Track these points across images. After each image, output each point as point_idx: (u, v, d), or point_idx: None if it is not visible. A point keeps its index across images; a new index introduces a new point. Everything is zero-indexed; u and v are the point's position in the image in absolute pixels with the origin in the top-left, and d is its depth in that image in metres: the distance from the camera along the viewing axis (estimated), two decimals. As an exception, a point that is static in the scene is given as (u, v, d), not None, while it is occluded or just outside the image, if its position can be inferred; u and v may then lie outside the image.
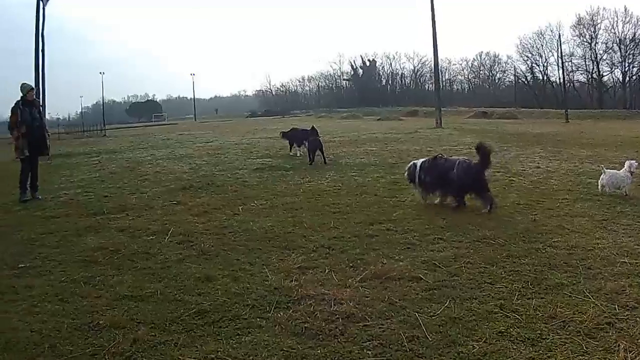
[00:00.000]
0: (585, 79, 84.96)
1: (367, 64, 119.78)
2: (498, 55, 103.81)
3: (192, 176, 14.07)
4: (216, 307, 4.92)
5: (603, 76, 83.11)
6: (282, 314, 4.69)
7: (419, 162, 9.73)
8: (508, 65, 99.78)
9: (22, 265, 6.48)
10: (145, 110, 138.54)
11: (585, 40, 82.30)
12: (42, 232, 8.22)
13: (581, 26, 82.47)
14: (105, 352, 4.10)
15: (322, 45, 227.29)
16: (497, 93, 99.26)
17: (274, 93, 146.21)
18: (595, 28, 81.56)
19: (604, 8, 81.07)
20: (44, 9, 26.56)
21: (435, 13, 39.93)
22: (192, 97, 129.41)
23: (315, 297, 5.01)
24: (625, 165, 9.82)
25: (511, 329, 4.27)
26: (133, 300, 5.16)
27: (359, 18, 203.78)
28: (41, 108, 12.60)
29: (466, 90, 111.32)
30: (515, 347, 4.00)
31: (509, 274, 5.59)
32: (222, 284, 5.53)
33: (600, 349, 3.96)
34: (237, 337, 4.31)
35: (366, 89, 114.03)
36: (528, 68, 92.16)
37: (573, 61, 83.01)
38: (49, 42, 26.44)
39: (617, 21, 79.38)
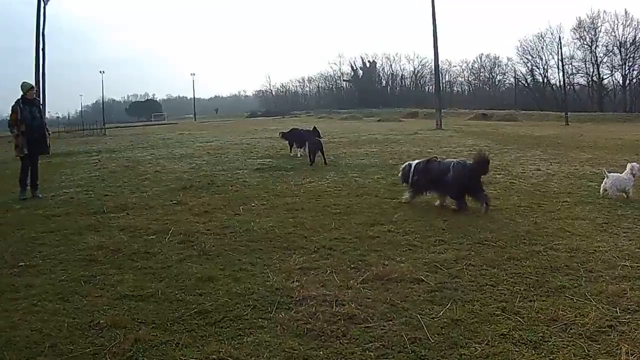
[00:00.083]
0: (585, 82, 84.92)
1: (367, 65, 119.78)
2: (498, 57, 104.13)
3: (193, 176, 14.07)
4: (217, 307, 4.90)
5: (603, 79, 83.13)
6: (283, 314, 4.68)
7: (413, 163, 9.79)
8: (508, 68, 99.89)
9: (23, 263, 6.46)
10: (145, 109, 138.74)
11: (585, 43, 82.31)
12: (42, 230, 8.21)
13: (581, 29, 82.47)
14: (106, 352, 4.08)
15: (323, 46, 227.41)
16: (497, 95, 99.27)
17: (274, 93, 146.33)
18: (595, 31, 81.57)
19: (604, 11, 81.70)
20: (44, 7, 26.62)
21: (436, 14, 39.92)
22: (192, 96, 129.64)
23: (317, 298, 4.99)
24: (627, 168, 9.83)
25: (513, 332, 4.26)
26: (134, 300, 5.16)
27: (359, 19, 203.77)
28: (41, 107, 12.62)
29: (466, 92, 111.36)
30: (517, 349, 3.99)
31: (510, 277, 5.58)
32: (223, 284, 5.51)
33: (602, 352, 3.95)
34: (239, 337, 4.29)
35: (366, 90, 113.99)
36: (528, 70, 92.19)
37: (573, 64, 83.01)
38: (49, 41, 26.47)
39: (617, 24, 79.38)
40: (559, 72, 78.78)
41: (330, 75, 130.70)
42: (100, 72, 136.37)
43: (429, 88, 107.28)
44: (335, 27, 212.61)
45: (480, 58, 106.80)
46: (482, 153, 9.50)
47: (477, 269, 5.85)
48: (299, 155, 17.97)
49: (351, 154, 18.84)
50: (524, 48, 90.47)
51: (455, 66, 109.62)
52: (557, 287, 5.25)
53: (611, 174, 10.01)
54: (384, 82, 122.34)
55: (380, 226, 7.90)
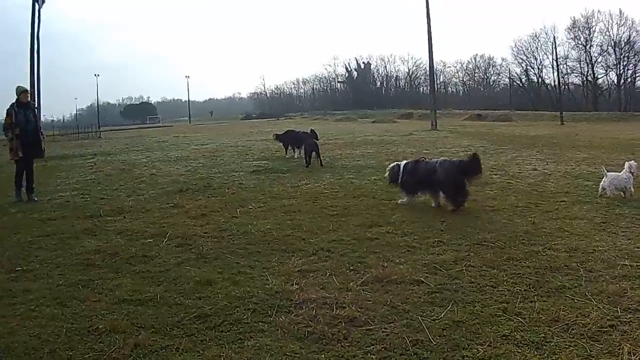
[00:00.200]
0: (580, 82, 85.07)
1: (362, 66, 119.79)
2: (493, 57, 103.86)
3: (189, 179, 14.04)
4: (217, 311, 4.87)
5: (598, 79, 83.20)
6: (284, 318, 4.65)
7: (402, 163, 9.85)
8: (503, 68, 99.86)
9: (20, 268, 6.42)
10: (140, 112, 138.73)
11: (580, 42, 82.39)
12: (39, 234, 8.17)
13: (576, 29, 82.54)
14: (106, 357, 4.06)
15: (317, 48, 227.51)
16: (492, 95, 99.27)
17: (268, 95, 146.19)
18: (590, 31, 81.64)
19: (598, 11, 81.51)
20: (39, 11, 26.49)
21: (430, 15, 39.94)
22: (187, 99, 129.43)
23: (317, 301, 4.97)
24: (625, 167, 9.84)
25: (515, 333, 4.25)
26: (132, 304, 5.12)
27: (354, 20, 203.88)
28: (36, 110, 12.61)
29: (461, 92, 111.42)
30: (519, 350, 3.97)
31: (510, 277, 5.57)
32: (222, 288, 5.48)
33: (604, 351, 3.94)
34: (240, 341, 4.26)
35: (361, 92, 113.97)
36: (523, 70, 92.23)
37: (568, 64, 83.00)
38: (44, 45, 26.42)
39: (612, 24, 79.47)
40: (553, 72, 79.19)
41: (325, 77, 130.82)
42: (95, 75, 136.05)
43: (423, 89, 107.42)
44: (329, 28, 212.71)
45: (475, 58, 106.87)
46: (475, 154, 9.65)
47: (476, 270, 5.84)
48: (295, 157, 17.96)
49: (347, 156, 18.84)
50: (518, 48, 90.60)
51: (449, 67, 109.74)
52: (558, 287, 5.24)
53: (610, 173, 10.02)
54: (378, 83, 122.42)
55: (379, 228, 7.88)
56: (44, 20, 26.39)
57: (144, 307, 5.03)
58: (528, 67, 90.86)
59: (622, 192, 9.74)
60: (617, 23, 79.02)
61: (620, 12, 79.01)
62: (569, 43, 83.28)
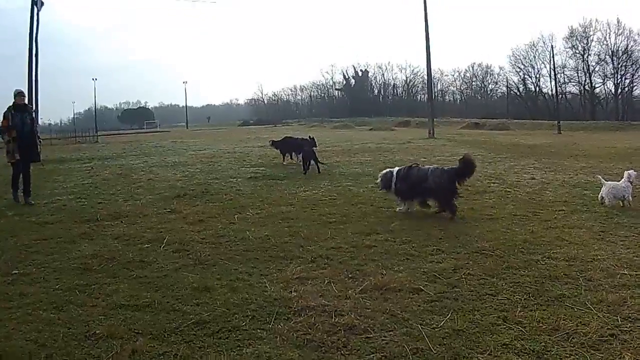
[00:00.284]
0: (577, 91, 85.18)
1: (360, 74, 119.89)
2: (490, 66, 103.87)
3: (186, 184, 14.00)
4: (215, 317, 4.84)
5: (595, 88, 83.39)
6: (282, 325, 4.63)
7: (394, 170, 9.87)
8: (500, 77, 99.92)
9: (16, 271, 6.39)
10: (137, 117, 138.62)
11: (577, 52, 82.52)
12: (35, 238, 8.13)
13: (574, 38, 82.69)
14: (103, 363, 4.03)
15: (315, 55, 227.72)
16: (490, 104, 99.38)
17: (266, 102, 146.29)
18: (587, 40, 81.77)
19: (596, 20, 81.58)
20: (37, 14, 26.40)
21: (428, 24, 40.02)
22: (184, 104, 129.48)
23: (316, 308, 4.95)
24: (625, 176, 9.84)
25: (515, 341, 4.23)
26: (130, 310, 5.09)
27: (352, 28, 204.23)
28: (34, 113, 12.62)
29: (458, 101, 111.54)
30: (520, 359, 3.95)
31: (509, 286, 5.56)
32: (220, 294, 5.45)
33: (605, 361, 3.93)
34: (238, 348, 4.24)
35: (358, 99, 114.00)
36: (520, 79, 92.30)
37: (565, 73, 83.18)
38: (42, 48, 26.31)
39: (609, 33, 79.60)
40: (551, 81, 78.96)
41: (323, 84, 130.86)
42: (93, 79, 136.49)
43: (421, 97, 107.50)
44: (327, 36, 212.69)
45: (473, 67, 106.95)
46: (468, 155, 9.81)
47: (476, 278, 5.83)
48: (296, 161, 17.94)
49: (345, 163, 18.82)
50: (516, 57, 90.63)
51: (447, 75, 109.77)
52: (557, 296, 5.23)
53: (608, 182, 10.02)
54: (376, 91, 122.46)
55: (377, 235, 7.86)
56: (42, 23, 26.29)
57: (141, 313, 5.00)
58: (525, 76, 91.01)
59: (620, 201, 9.74)
60: (614, 32, 79.22)
61: (618, 21, 79.20)
62: (567, 52, 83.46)
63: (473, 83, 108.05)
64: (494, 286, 5.56)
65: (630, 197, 9.72)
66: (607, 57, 79.65)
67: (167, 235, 8.00)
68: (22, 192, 11.63)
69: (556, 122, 51.16)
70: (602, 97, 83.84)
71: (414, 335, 4.40)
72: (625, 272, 5.91)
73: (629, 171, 9.88)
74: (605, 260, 6.43)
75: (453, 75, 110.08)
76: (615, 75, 79.75)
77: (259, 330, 4.55)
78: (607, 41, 79.79)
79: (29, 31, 26.41)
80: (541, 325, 4.53)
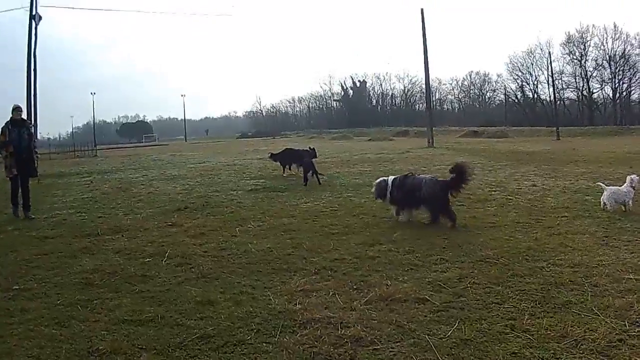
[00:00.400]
0: (575, 97, 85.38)
1: (358, 84, 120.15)
2: (488, 74, 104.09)
3: (186, 197, 13.96)
4: (220, 331, 4.79)
5: (593, 93, 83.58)
6: (288, 338, 4.58)
7: (389, 178, 9.93)
8: (498, 84, 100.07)
9: (17, 287, 6.35)
10: (136, 131, 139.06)
11: (575, 57, 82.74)
12: (36, 253, 8.09)
13: (571, 44, 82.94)
14: (107, 380, 3.97)
15: (313, 66, 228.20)
16: (488, 112, 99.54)
17: (264, 114, 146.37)
18: (585, 45, 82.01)
19: (593, 25, 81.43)
20: (36, 27, 26.37)
21: (426, 33, 40.12)
22: (183, 118, 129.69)
23: (321, 321, 4.90)
24: (627, 181, 9.82)
25: (524, 350, 4.20)
26: (133, 325, 5.03)
27: (349, 39, 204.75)
28: (32, 128, 12.65)
29: (456, 109, 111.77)
30: (529, 368, 3.91)
31: (515, 294, 5.52)
32: (224, 308, 5.40)
33: (615, 367, 3.89)
34: (244, 363, 4.18)
35: (357, 110, 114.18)
36: (518, 86, 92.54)
37: (563, 79, 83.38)
38: (40, 62, 26.17)
39: (606, 38, 79.89)
40: (549, 88, 79.41)
41: (321, 95, 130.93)
42: (92, 93, 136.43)
43: (419, 106, 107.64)
44: (325, 47, 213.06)
45: (470, 75, 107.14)
46: (459, 163, 9.76)
47: (481, 287, 5.78)
48: (296, 172, 17.92)
49: (345, 174, 18.78)
50: (513, 64, 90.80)
51: (445, 84, 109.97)
52: (564, 303, 5.20)
53: (609, 187, 10.00)
54: (374, 101, 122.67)
55: (380, 246, 7.81)
56: (40, 37, 26.21)
57: (144, 328, 4.95)
58: (523, 83, 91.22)
59: (622, 206, 9.71)
60: (611, 37, 79.52)
61: (615, 26, 79.53)
62: (564, 58, 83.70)
63: (471, 91, 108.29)
64: (499, 294, 5.51)
65: (631, 202, 9.70)
66: (605, 62, 79.95)
67: (168, 249, 7.95)
68: (22, 206, 11.63)
69: (555, 128, 51.22)
70: (600, 102, 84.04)
71: (422, 346, 4.35)
72: (631, 277, 5.89)
73: (632, 176, 9.86)
74: (610, 265, 6.41)
75: (451, 84, 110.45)
76: (613, 80, 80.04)
77: (264, 344, 4.50)
78: (604, 46, 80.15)
79: (27, 45, 26.38)
80: (549, 332, 4.49)
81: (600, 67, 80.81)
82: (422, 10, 40.07)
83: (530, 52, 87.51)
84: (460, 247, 7.58)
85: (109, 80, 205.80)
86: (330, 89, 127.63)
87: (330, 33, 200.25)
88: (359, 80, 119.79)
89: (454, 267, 6.55)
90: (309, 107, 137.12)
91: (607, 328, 4.52)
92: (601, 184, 10.40)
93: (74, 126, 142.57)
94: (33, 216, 11.51)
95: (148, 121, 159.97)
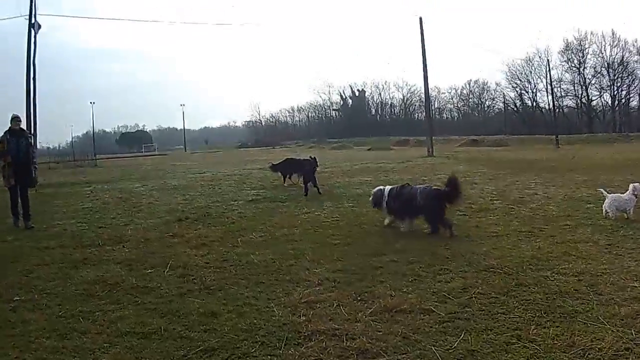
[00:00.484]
0: (574, 104, 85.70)
1: (357, 94, 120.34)
2: (487, 82, 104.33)
3: (187, 207, 13.92)
4: (224, 344, 4.74)
5: (592, 100, 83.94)
6: (293, 350, 4.53)
7: (386, 188, 10.07)
8: (497, 93, 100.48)
9: (18, 298, 6.31)
10: (135, 140, 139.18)
11: (573, 65, 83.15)
12: (37, 263, 8.06)
13: (569, 51, 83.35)
14: (110, 393, 3.93)
15: (312, 76, 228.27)
16: (487, 121, 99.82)
17: (263, 124, 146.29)
18: (583, 53, 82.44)
19: (591, 32, 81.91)
20: (35, 36, 26.30)
21: (425, 42, 40.23)
22: (182, 127, 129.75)
23: (326, 333, 4.85)
24: (630, 188, 9.80)
25: (532, 360, 4.15)
26: (136, 337, 4.98)
27: (348, 48, 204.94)
28: (30, 138, 12.65)
29: (456, 118, 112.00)
30: (538, 380, 3.88)
31: (521, 303, 5.49)
32: (227, 320, 5.35)
33: (623, 376, 3.86)
34: (249, 376, 4.14)
35: (356, 119, 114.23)
36: (517, 95, 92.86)
37: (562, 86, 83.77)
38: (39, 71, 26.01)
39: (605, 45, 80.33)
40: (548, 96, 79.59)
41: (320, 105, 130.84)
42: (91, 103, 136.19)
43: (418, 115, 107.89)
44: (324, 56, 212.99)
45: (469, 84, 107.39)
46: (453, 177, 9.86)
47: (486, 297, 5.74)
48: (296, 182, 17.90)
49: (345, 184, 18.76)
50: (512, 73, 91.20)
51: (444, 93, 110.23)
52: (570, 312, 5.17)
53: (611, 194, 9.99)
54: (373, 110, 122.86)
55: (383, 256, 7.76)
56: (38, 46, 26.04)
57: (147, 341, 4.90)
58: (522, 92, 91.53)
59: (624, 213, 9.69)
60: (610, 44, 79.99)
61: (613, 33, 79.97)
62: (563, 66, 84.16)
63: (470, 100, 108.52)
64: (505, 304, 5.48)
65: (632, 210, 9.68)
66: (603, 69, 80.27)
67: (170, 260, 7.90)
68: (22, 216, 11.62)
69: (554, 136, 51.35)
70: (599, 109, 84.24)
71: (428, 357, 4.32)
72: (636, 285, 5.88)
73: (635, 184, 9.84)
74: (614, 273, 6.39)
75: (450, 93, 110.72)
76: (612, 87, 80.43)
77: (269, 357, 4.46)
78: (602, 53, 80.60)
79: (26, 54, 26.30)
80: (556, 342, 4.46)
81: (599, 75, 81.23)
82: (420, 19, 40.32)
83: (529, 60, 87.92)
84: (464, 256, 7.54)
85: (108, 89, 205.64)
86: (329, 98, 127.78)
87: (329, 43, 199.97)
88: (357, 90, 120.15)
89: (458, 277, 6.52)
90: (308, 116, 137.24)
91: (614, 337, 4.49)
92: (602, 191, 10.39)
93: (73, 135, 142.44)
94: (33, 225, 11.50)
95: (147, 131, 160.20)
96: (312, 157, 17.92)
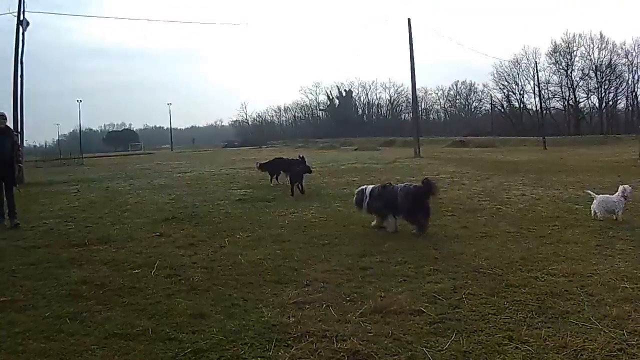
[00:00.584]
0: (561, 106, 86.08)
1: (344, 94, 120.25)
2: (474, 83, 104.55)
3: (174, 207, 13.82)
4: (213, 346, 4.67)
5: (579, 102, 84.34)
6: (283, 352, 4.48)
7: (367, 188, 10.17)
8: (484, 94, 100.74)
9: (4, 298, 6.20)
10: (122, 139, 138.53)
11: (561, 67, 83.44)
12: (22, 263, 7.94)
13: (557, 53, 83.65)
14: (98, 396, 3.86)
15: (298, 75, 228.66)
16: (474, 122, 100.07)
17: (250, 123, 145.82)
18: (571, 55, 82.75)
19: (579, 35, 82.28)
20: (23, 33, 25.95)
21: (413, 43, 40.29)
22: (169, 126, 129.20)
23: (316, 334, 4.80)
24: (619, 190, 9.83)
25: (524, 362, 4.13)
26: (123, 339, 4.89)
27: (335, 48, 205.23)
28: (16, 137, 12.48)
29: (442, 119, 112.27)
30: (530, 381, 3.86)
31: (511, 304, 5.48)
32: (216, 321, 5.28)
33: (615, 377, 3.85)
34: (239, 378, 4.08)
35: (343, 119, 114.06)
36: (504, 96, 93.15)
37: (549, 88, 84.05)
38: (26, 69, 25.66)
39: (593, 48, 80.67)
40: (535, 97, 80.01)
41: (307, 105, 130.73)
42: (78, 101, 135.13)
43: (405, 116, 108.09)
44: (310, 56, 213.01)
45: (456, 85, 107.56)
46: (428, 179, 9.98)
47: (476, 298, 5.73)
48: (284, 182, 17.82)
49: (332, 184, 18.71)
50: (499, 74, 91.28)
51: (431, 94, 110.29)
52: (561, 313, 5.17)
53: (599, 195, 10.02)
54: (360, 110, 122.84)
55: (371, 257, 7.73)
56: (27, 44, 25.68)
57: (135, 342, 4.81)
58: (509, 93, 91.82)
59: (612, 215, 9.73)
60: (598, 47, 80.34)
61: (601, 35, 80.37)
62: (550, 68, 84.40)
63: (457, 101, 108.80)
64: (495, 305, 5.46)
65: (621, 212, 9.71)
66: (591, 72, 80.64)
67: (157, 260, 7.81)
68: (7, 215, 11.44)
69: (541, 137, 51.58)
70: (587, 111, 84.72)
71: (419, 358, 4.29)
72: (627, 285, 5.91)
73: (624, 186, 9.86)
74: (604, 274, 6.41)
75: (437, 94, 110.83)
76: (599, 90, 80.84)
77: (259, 359, 4.40)
78: (590, 56, 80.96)
79: (14, 52, 25.93)
80: (548, 343, 4.46)
81: (587, 77, 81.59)
82: (409, 20, 40.42)
83: (517, 61, 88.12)
84: (453, 257, 7.53)
85: (95, 88, 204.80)
86: (316, 98, 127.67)
87: (317, 43, 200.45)
88: (345, 90, 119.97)
89: (447, 278, 6.49)
90: (294, 116, 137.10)
91: (606, 337, 4.50)
92: (590, 192, 10.44)
93: (60, 134, 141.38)
94: (18, 222, 11.37)
95: (134, 130, 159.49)
96: (301, 156, 17.86)
